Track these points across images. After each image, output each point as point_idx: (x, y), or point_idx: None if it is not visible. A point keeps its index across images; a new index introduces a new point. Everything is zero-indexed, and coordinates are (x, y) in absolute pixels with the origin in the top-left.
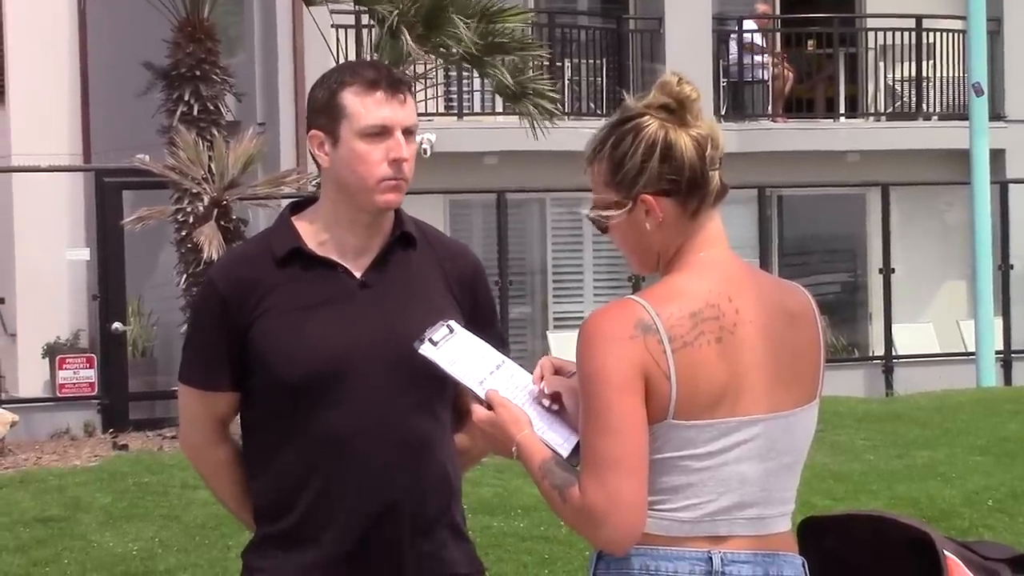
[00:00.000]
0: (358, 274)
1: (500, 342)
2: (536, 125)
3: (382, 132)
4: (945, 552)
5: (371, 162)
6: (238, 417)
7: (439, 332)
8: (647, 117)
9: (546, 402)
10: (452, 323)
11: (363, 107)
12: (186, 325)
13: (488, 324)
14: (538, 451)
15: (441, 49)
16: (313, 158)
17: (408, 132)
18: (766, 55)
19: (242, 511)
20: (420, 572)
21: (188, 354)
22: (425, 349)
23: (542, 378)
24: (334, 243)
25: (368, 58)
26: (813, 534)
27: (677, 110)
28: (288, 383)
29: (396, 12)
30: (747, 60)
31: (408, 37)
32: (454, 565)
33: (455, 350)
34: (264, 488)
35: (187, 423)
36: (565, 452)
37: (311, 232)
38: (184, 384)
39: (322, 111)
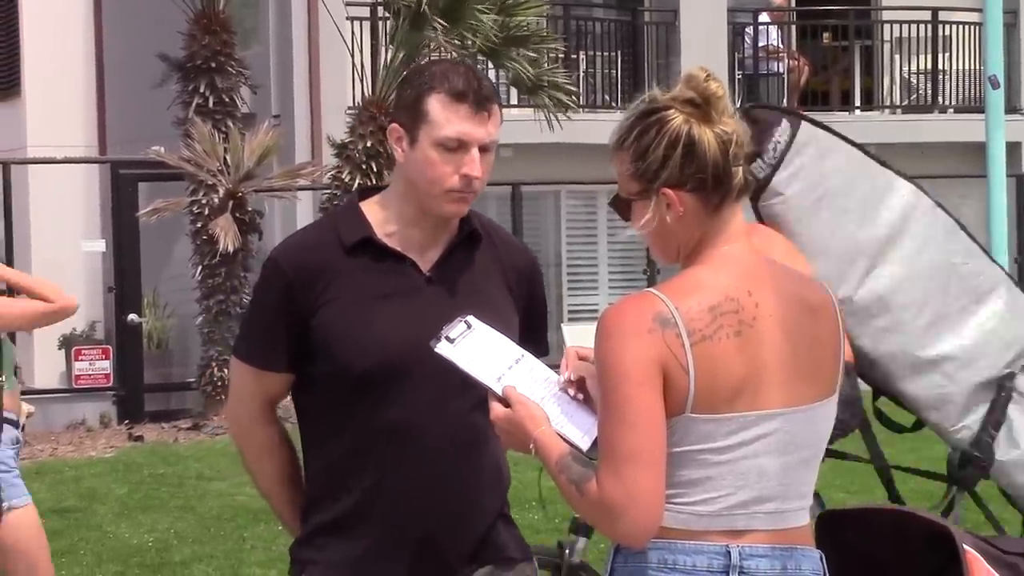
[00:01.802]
0: (425, 269)
1: (541, 343)
2: (552, 117)
3: (459, 146)
4: (964, 546)
5: (442, 172)
6: (290, 402)
7: (456, 328)
8: (672, 111)
9: (571, 391)
10: (470, 318)
11: (445, 118)
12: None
13: (539, 324)
14: (555, 447)
15: (457, 41)
16: (333, 147)
17: (485, 149)
18: (782, 49)
19: (281, 499)
20: (475, 559)
21: (246, 330)
22: (442, 348)
23: (568, 367)
24: (401, 236)
25: (384, 50)
26: (832, 528)
27: (702, 105)
28: (352, 373)
29: (422, 2)
30: (763, 54)
31: (439, 28)
32: (507, 549)
33: (473, 346)
34: (318, 474)
35: (236, 399)
36: (585, 445)
37: (379, 222)
38: (238, 359)
39: (406, 108)
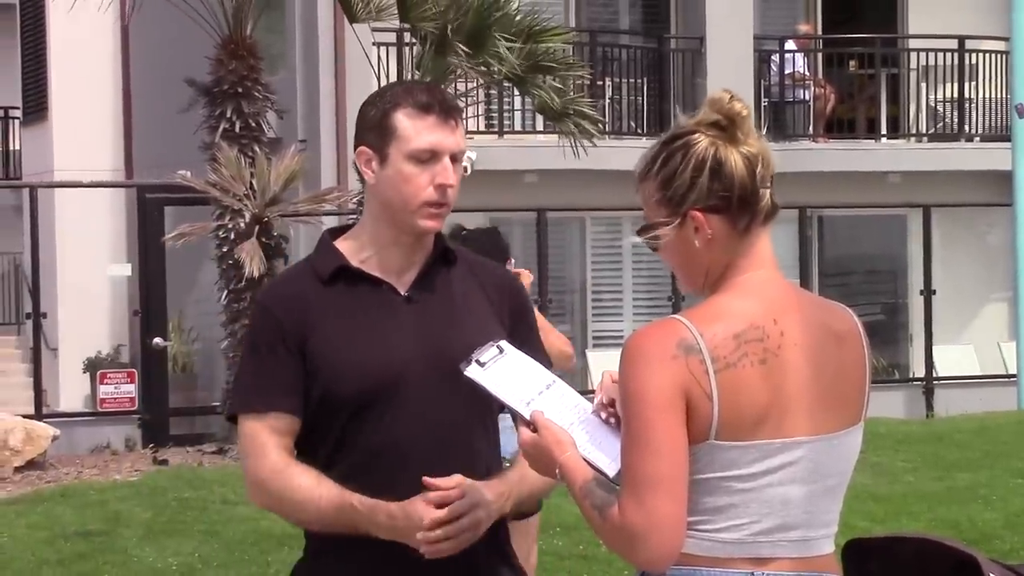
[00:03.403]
0: (402, 290)
1: (541, 355)
2: (577, 144)
3: (431, 157)
4: (991, 575)
5: (417, 185)
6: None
7: (488, 353)
8: (698, 134)
9: (604, 414)
10: (503, 343)
11: (414, 130)
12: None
13: (528, 340)
14: (580, 472)
15: (483, 68)
16: (358, 173)
17: (456, 158)
18: (808, 76)
19: (341, 511)
20: None
21: (240, 382)
22: (472, 371)
23: (602, 390)
24: (377, 260)
25: (410, 76)
26: (857, 556)
27: (728, 127)
28: (341, 398)
29: (446, 28)
30: (789, 81)
31: (461, 54)
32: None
33: (503, 371)
34: None
35: (253, 457)
36: (612, 472)
37: (353, 251)
38: (241, 414)
39: (372, 129)
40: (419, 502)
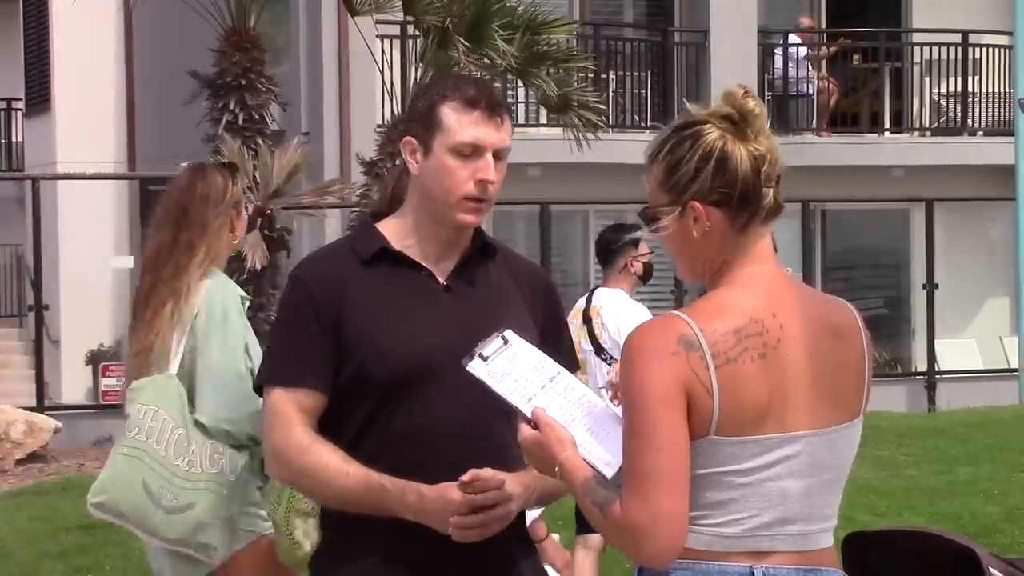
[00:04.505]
0: (441, 279)
1: (567, 358)
2: (580, 137)
3: (473, 152)
4: (991, 569)
5: (458, 179)
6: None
7: (492, 345)
8: (709, 125)
9: (615, 402)
10: (508, 333)
11: (459, 124)
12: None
13: (558, 339)
14: (581, 470)
15: (485, 60)
16: (362, 166)
17: (499, 155)
18: (811, 69)
19: (373, 475)
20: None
21: (271, 355)
22: (474, 366)
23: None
24: (417, 248)
25: (414, 69)
26: (857, 549)
27: (739, 122)
28: (375, 380)
29: (446, 21)
30: (792, 74)
31: (461, 47)
32: (523, 574)
33: (507, 363)
34: None
35: (279, 430)
36: (609, 473)
37: (395, 236)
38: (268, 386)
39: (419, 120)
40: (453, 487)
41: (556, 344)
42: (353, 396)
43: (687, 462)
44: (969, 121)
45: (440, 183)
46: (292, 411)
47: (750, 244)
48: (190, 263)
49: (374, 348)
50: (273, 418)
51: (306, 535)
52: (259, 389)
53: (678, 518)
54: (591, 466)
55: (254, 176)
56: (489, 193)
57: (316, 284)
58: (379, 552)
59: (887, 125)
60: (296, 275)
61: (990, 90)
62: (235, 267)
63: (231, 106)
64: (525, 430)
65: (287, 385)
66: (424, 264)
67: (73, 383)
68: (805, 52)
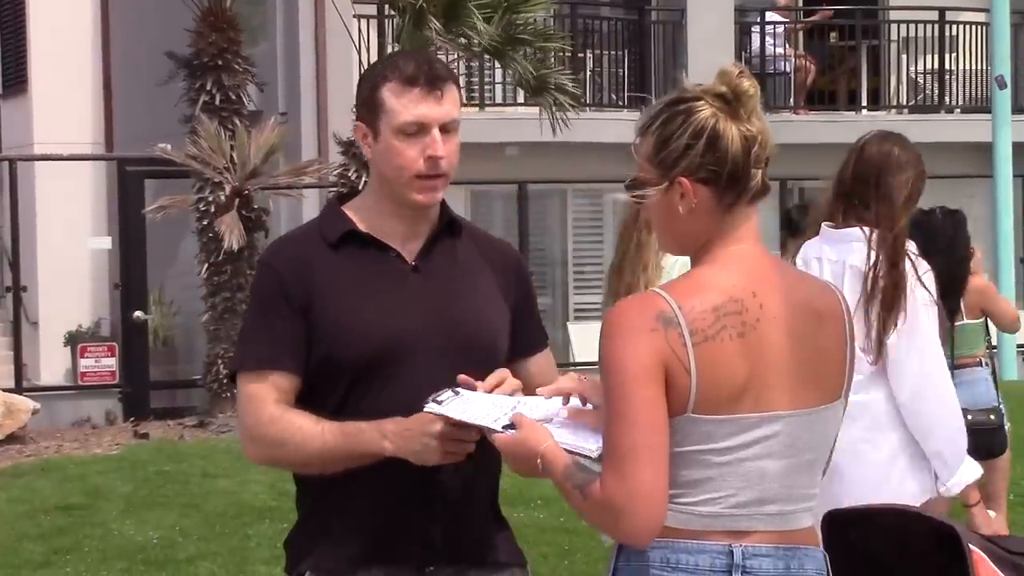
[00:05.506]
0: (409, 259)
1: (540, 331)
2: (556, 118)
3: (419, 129)
4: (970, 546)
5: (407, 158)
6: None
7: (444, 395)
8: (702, 102)
9: (563, 413)
10: (459, 389)
11: (400, 104)
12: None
13: (530, 315)
14: (561, 457)
15: (462, 40)
16: (340, 145)
17: (447, 128)
18: (788, 47)
19: (345, 425)
20: (460, 556)
21: (244, 338)
22: (431, 408)
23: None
24: (383, 229)
25: (391, 49)
26: (836, 527)
27: (732, 102)
28: (345, 363)
29: (421, 1)
30: (769, 52)
31: (435, 27)
32: (495, 552)
33: (463, 404)
34: None
35: (251, 410)
36: (595, 452)
37: (360, 218)
38: (242, 371)
39: (364, 104)
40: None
41: (528, 319)
42: (324, 379)
43: (666, 439)
44: (946, 99)
45: (391, 165)
46: (264, 393)
47: (735, 224)
48: None
49: (344, 331)
50: (247, 402)
51: None
52: (233, 376)
53: (657, 493)
54: (574, 453)
55: (231, 156)
56: (442, 168)
57: (285, 268)
58: (354, 524)
59: (864, 103)
60: (265, 260)
61: (967, 68)
62: (213, 248)
63: (208, 86)
64: (501, 436)
65: (261, 368)
66: (391, 245)
67: (51, 364)
68: (783, 30)
